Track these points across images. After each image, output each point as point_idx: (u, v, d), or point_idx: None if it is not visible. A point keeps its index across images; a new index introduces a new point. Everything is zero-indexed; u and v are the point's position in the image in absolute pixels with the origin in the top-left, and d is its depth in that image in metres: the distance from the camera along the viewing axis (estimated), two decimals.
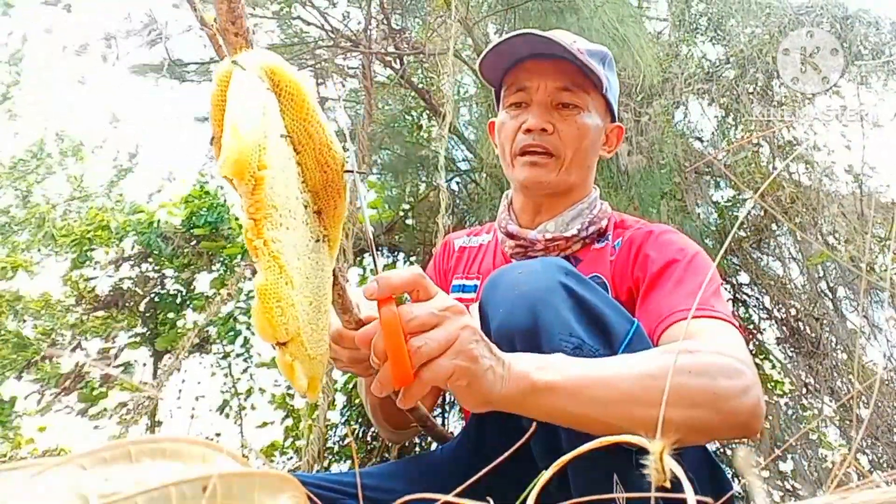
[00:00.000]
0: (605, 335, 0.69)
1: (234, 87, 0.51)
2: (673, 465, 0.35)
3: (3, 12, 4.66)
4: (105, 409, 4.29)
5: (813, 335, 3.74)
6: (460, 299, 1.05)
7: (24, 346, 4.18)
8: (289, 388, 4.25)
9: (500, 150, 1.06)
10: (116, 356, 4.11)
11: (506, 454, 0.53)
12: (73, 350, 4.03)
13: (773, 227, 4.08)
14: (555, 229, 1.01)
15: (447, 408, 3.40)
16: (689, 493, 0.35)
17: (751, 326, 4.11)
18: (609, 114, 1.09)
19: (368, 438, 3.70)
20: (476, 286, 1.06)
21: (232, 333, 4.22)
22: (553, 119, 1.00)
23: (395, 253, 4.01)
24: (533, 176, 1.01)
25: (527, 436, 0.57)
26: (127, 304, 4.26)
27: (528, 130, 1.00)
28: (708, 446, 0.83)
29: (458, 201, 4.01)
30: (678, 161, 3.84)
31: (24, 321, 4.57)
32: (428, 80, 3.76)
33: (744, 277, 4.21)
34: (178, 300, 4.36)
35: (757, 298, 4.19)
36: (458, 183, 4.10)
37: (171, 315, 4.28)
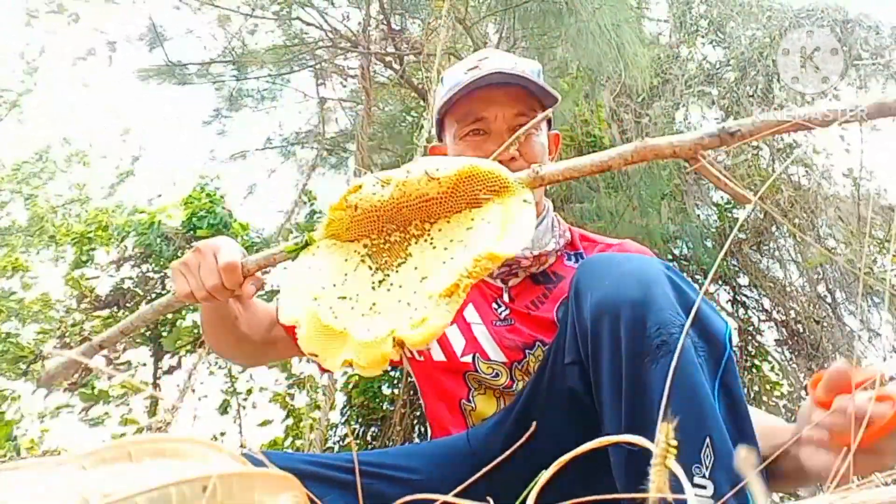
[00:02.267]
0: (703, 329, 0.70)
1: (524, 217, 0.67)
2: (674, 466, 0.35)
3: (26, 23, 4.68)
4: (107, 413, 4.30)
5: (812, 337, 3.75)
6: None
7: (22, 347, 4.18)
8: (289, 387, 4.26)
9: None
10: (123, 354, 4.12)
11: (506, 453, 0.53)
12: (78, 345, 4.03)
13: (773, 229, 4.08)
14: (533, 245, 1.02)
15: None
16: (688, 493, 0.35)
17: (750, 328, 4.11)
18: (548, 124, 1.13)
19: (368, 438, 3.71)
20: None
21: None
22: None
23: None
24: None
25: (526, 435, 0.57)
26: (127, 305, 4.26)
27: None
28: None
29: None
30: (678, 163, 3.85)
31: (25, 324, 4.57)
32: (428, 80, 3.76)
33: (743, 279, 4.22)
34: None
35: (756, 300, 4.20)
36: None
37: (171, 315, 4.29)
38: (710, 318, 0.71)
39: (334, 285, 0.70)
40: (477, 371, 0.97)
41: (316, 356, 0.65)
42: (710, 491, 0.61)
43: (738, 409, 0.67)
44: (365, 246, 0.74)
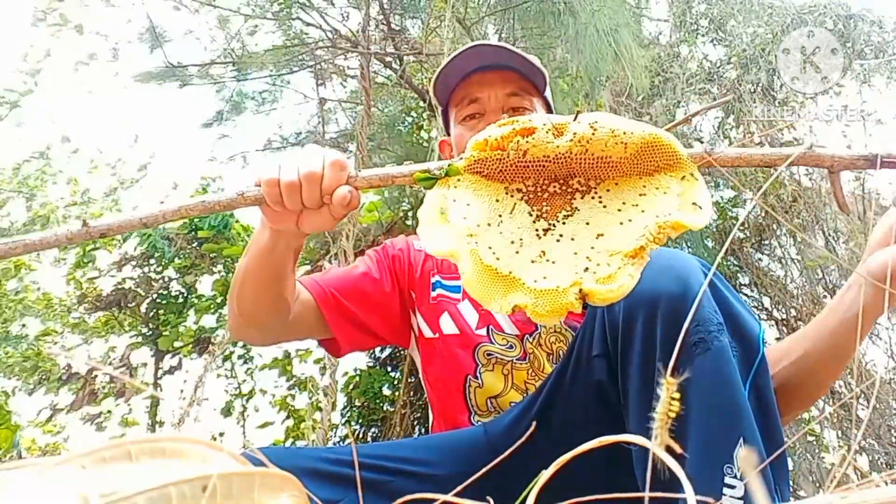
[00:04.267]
0: (737, 329, 0.70)
1: (704, 193, 0.65)
2: (671, 464, 0.35)
3: (32, 24, 4.69)
4: (108, 412, 4.30)
5: None
6: (447, 298, 1.05)
7: (32, 355, 4.19)
8: (290, 388, 4.26)
9: None
10: (130, 365, 4.12)
11: (508, 451, 0.53)
12: (87, 369, 4.03)
13: (774, 226, 4.08)
14: None
15: None
16: (689, 493, 0.35)
17: None
18: (548, 111, 1.15)
19: (369, 439, 3.71)
20: (459, 287, 1.06)
21: None
22: None
23: None
24: None
25: (529, 431, 0.57)
26: (129, 305, 4.27)
27: None
28: None
29: None
30: None
31: (25, 325, 4.58)
32: (428, 80, 3.76)
33: (744, 279, 4.21)
34: (181, 301, 4.38)
35: (757, 300, 4.19)
36: None
37: (172, 316, 4.29)
38: (744, 318, 0.71)
39: (489, 225, 0.66)
40: (492, 342, 0.98)
41: (478, 297, 0.61)
42: (740, 492, 0.61)
43: (769, 413, 0.67)
44: (519, 190, 0.69)
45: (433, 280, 1.07)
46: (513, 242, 0.65)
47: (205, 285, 4.47)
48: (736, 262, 4.12)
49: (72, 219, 5.45)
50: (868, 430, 3.14)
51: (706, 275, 0.71)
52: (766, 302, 4.10)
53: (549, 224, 0.66)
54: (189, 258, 4.29)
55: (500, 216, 0.67)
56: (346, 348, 1.05)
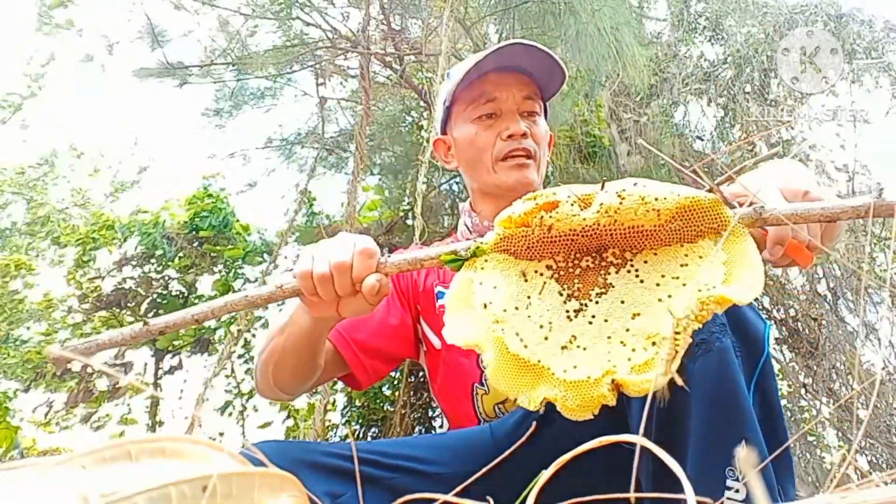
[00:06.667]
0: (741, 328, 0.70)
1: (755, 262, 0.59)
2: (670, 462, 0.35)
3: (38, 28, 4.68)
4: (108, 415, 4.30)
5: (811, 336, 3.75)
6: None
7: (31, 357, 4.19)
8: None
9: (469, 161, 1.10)
10: (126, 364, 4.12)
11: (507, 452, 0.53)
12: (83, 366, 4.02)
13: None
14: None
15: None
16: (688, 492, 0.35)
17: None
18: (544, 114, 1.17)
19: (369, 438, 3.71)
20: None
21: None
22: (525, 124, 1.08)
23: None
24: (522, 177, 1.05)
25: (529, 432, 0.57)
26: (129, 305, 4.27)
27: (511, 136, 1.05)
28: None
29: (458, 202, 4.01)
30: (677, 161, 3.84)
31: (22, 324, 4.58)
32: (428, 80, 3.76)
33: None
34: (181, 300, 4.38)
35: (756, 299, 4.19)
36: (458, 184, 4.10)
37: None
38: (748, 317, 0.70)
39: (517, 308, 0.63)
40: None
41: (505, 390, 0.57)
42: (741, 495, 0.61)
43: (773, 413, 0.67)
44: (549, 267, 0.65)
45: (437, 290, 1.07)
46: (542, 327, 0.61)
47: (205, 284, 4.48)
48: None
49: (74, 218, 5.46)
50: (868, 430, 3.14)
51: None
52: (766, 301, 4.10)
53: (581, 304, 0.62)
54: (189, 257, 4.29)
55: (528, 298, 0.63)
56: (367, 382, 1.05)
